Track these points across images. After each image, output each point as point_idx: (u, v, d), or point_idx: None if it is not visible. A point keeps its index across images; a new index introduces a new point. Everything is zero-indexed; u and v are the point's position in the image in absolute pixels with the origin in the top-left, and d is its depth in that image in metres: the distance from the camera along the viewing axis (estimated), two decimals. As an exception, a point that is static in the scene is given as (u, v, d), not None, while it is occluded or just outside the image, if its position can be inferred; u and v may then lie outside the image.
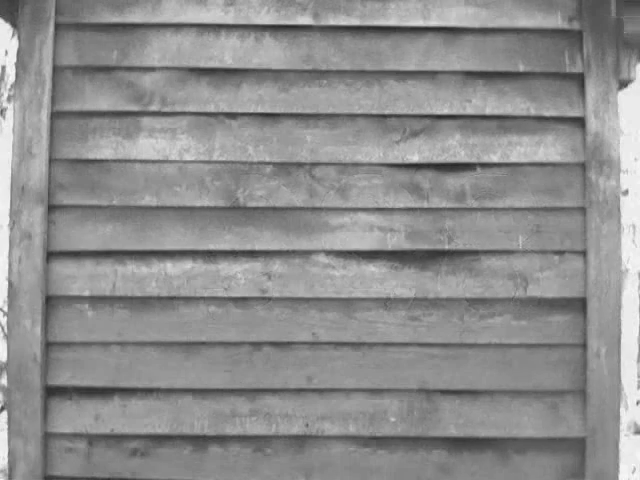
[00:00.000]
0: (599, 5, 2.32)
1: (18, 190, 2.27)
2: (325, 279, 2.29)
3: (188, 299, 2.29)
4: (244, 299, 2.29)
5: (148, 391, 2.28)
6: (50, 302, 2.28)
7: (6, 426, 2.29)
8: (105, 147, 2.30)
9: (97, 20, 2.31)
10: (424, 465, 2.25)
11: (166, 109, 2.31)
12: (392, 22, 2.33)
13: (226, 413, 2.26)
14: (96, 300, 2.29)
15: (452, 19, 2.33)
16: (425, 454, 2.25)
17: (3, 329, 6.63)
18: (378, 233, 2.29)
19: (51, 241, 2.28)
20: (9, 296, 2.27)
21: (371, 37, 2.33)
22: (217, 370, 2.27)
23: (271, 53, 2.33)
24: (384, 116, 2.32)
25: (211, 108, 2.32)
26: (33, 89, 2.28)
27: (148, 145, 2.31)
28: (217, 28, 2.33)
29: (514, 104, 2.33)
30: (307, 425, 2.26)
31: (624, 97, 2.52)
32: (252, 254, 2.30)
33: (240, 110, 2.32)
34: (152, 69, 2.32)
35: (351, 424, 2.24)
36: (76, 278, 2.28)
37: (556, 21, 2.34)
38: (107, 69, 2.31)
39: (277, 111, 2.31)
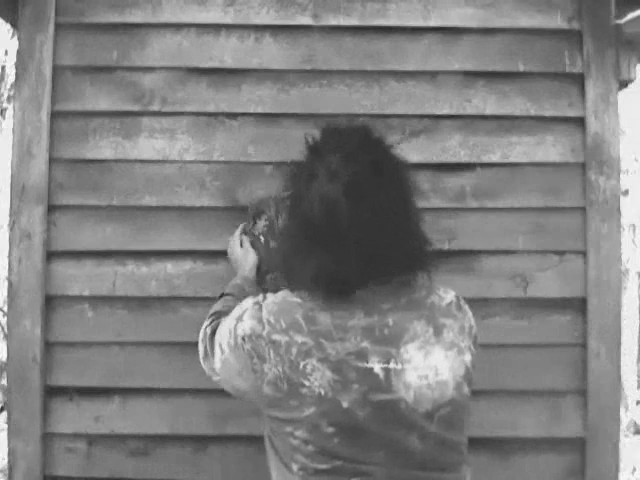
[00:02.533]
0: (599, 5, 2.33)
1: (18, 190, 2.27)
2: (325, 279, 2.28)
3: (188, 299, 2.29)
4: (244, 299, 2.29)
5: (148, 391, 2.28)
6: (50, 302, 2.28)
7: (6, 426, 2.30)
8: (105, 147, 2.30)
9: (97, 20, 2.31)
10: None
11: (166, 109, 2.31)
12: (392, 22, 2.33)
13: (226, 413, 2.26)
14: (96, 300, 2.29)
15: (452, 19, 2.33)
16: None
17: (3, 329, 6.63)
18: (378, 233, 2.29)
19: (51, 241, 2.28)
20: (9, 296, 2.27)
21: (371, 37, 2.33)
22: (217, 370, 2.27)
23: (271, 53, 2.33)
24: (384, 116, 2.32)
25: (211, 108, 2.32)
26: (33, 89, 2.28)
27: (148, 145, 2.31)
28: (217, 28, 2.33)
29: (514, 104, 2.33)
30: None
31: (624, 97, 2.52)
32: (252, 254, 2.29)
33: (240, 110, 2.32)
34: (152, 69, 2.32)
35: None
36: (76, 278, 2.28)
37: (556, 21, 2.34)
38: (107, 69, 2.31)
39: (277, 111, 2.31)
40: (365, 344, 1.23)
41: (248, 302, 1.36)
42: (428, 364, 1.25)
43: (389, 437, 1.22)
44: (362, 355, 1.22)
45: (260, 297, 1.35)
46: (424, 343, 1.26)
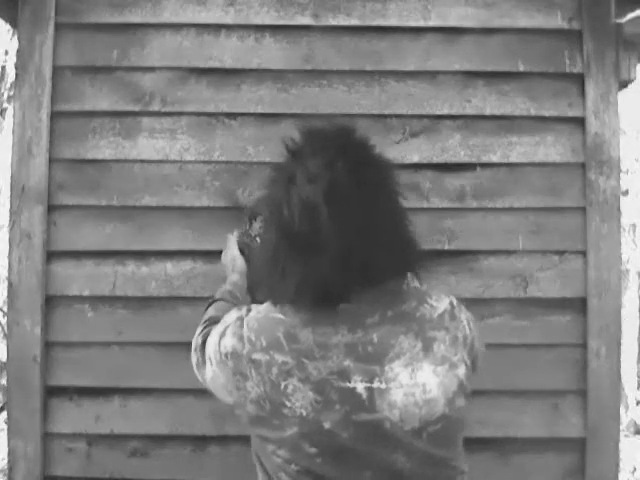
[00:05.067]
0: (599, 5, 2.33)
1: (18, 190, 2.27)
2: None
3: (188, 299, 2.29)
4: (244, 299, 2.28)
5: (148, 391, 2.28)
6: (50, 302, 2.28)
7: (6, 426, 2.30)
8: (105, 147, 2.30)
9: (97, 20, 2.31)
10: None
11: (166, 109, 2.31)
12: (392, 22, 2.33)
13: (226, 413, 2.25)
14: (96, 300, 2.29)
15: (452, 19, 2.33)
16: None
17: (3, 329, 6.63)
18: (378, 233, 2.29)
19: (51, 241, 2.28)
20: (9, 296, 2.27)
21: (371, 37, 2.33)
22: (217, 370, 2.27)
23: (271, 53, 2.33)
24: (384, 116, 2.32)
25: (211, 108, 2.32)
26: (33, 89, 2.28)
27: (148, 145, 2.31)
28: (217, 28, 2.33)
29: (514, 104, 2.33)
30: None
31: (624, 97, 2.52)
32: (252, 254, 2.29)
33: (240, 110, 2.32)
34: (152, 69, 2.32)
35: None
36: (76, 278, 2.28)
37: (556, 21, 2.34)
38: (107, 69, 2.31)
39: (277, 111, 2.31)
40: (347, 363, 1.18)
41: (232, 316, 1.32)
42: (415, 382, 1.20)
43: (375, 456, 1.19)
44: (344, 374, 1.18)
45: (244, 311, 1.31)
46: (411, 360, 1.20)
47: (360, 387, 1.18)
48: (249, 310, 1.30)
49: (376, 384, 1.19)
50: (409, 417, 1.19)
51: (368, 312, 1.22)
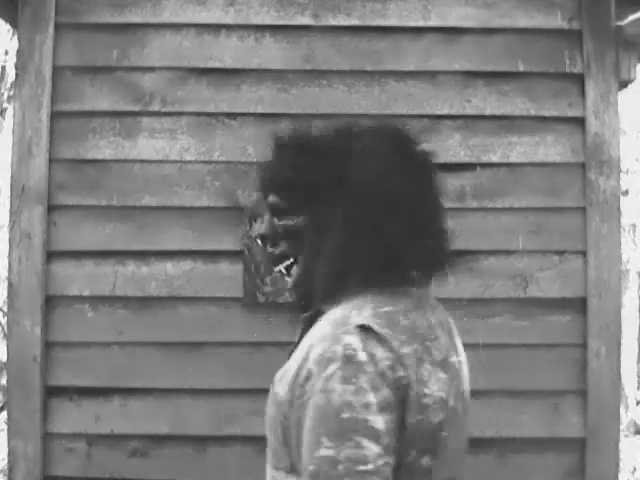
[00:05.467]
0: (599, 5, 2.33)
1: (18, 190, 2.27)
2: (325, 279, 2.28)
3: (188, 299, 2.29)
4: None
5: (148, 391, 2.28)
6: (50, 302, 2.28)
7: (6, 426, 2.30)
8: (105, 147, 2.30)
9: (97, 20, 2.31)
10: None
11: (166, 109, 2.31)
12: (392, 22, 2.33)
13: (226, 413, 2.26)
14: (96, 300, 2.29)
15: (452, 19, 2.33)
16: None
17: (3, 329, 6.63)
18: (378, 233, 2.29)
19: (51, 241, 2.28)
20: (9, 296, 2.27)
21: (371, 37, 2.33)
22: (217, 370, 2.27)
23: (271, 53, 2.33)
24: (384, 116, 2.32)
25: (211, 108, 2.32)
26: (33, 89, 2.28)
27: (148, 145, 2.31)
28: (217, 28, 2.33)
29: (514, 104, 2.33)
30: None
31: (624, 97, 2.52)
32: (252, 254, 2.29)
33: (240, 110, 2.32)
34: (152, 69, 2.32)
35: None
36: (76, 278, 2.28)
37: (556, 21, 2.34)
38: (107, 69, 2.31)
39: (277, 111, 2.31)
40: (446, 338, 1.22)
41: (346, 340, 1.09)
42: (464, 357, 1.27)
43: (467, 426, 1.26)
44: (450, 349, 1.22)
45: (352, 323, 1.10)
46: (457, 336, 1.28)
47: (455, 360, 1.23)
48: (354, 315, 1.13)
49: (460, 357, 1.26)
50: (469, 391, 1.26)
51: (427, 294, 1.27)
